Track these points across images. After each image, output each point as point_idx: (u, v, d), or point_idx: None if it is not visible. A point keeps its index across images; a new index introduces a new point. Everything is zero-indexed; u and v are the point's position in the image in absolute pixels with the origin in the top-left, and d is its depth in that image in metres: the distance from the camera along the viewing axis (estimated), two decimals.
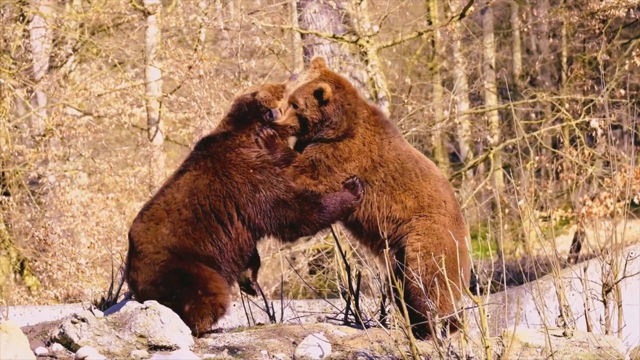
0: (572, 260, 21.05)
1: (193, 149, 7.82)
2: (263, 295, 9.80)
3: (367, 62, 19.55)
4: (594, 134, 19.75)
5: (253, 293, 8.03)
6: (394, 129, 7.97)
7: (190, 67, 20.65)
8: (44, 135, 21.62)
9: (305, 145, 7.74)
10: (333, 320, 8.51)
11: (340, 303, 9.64)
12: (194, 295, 7.44)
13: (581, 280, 8.17)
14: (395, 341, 7.00)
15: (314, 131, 7.67)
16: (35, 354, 6.98)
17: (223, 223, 7.53)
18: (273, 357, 7.20)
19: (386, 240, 7.39)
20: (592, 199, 20.43)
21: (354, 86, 7.93)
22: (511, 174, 10.97)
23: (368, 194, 7.67)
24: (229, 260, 7.62)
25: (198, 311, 7.45)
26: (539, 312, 7.82)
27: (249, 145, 7.63)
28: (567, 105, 20.51)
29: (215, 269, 7.55)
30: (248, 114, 7.70)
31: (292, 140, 7.89)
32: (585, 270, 8.17)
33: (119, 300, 8.79)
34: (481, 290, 6.74)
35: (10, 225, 21.06)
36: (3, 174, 21.36)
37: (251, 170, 7.55)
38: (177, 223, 7.52)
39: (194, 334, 7.34)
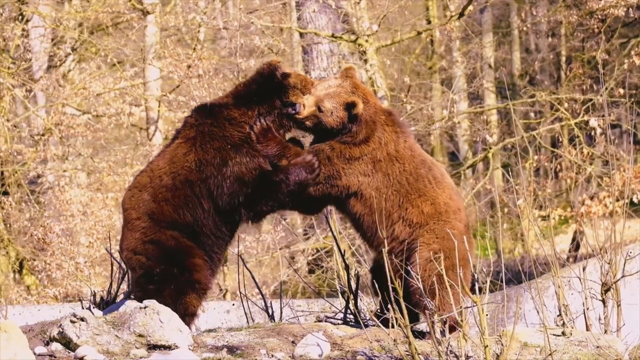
0: (571, 260, 21.04)
1: (189, 114, 7.86)
2: (262, 295, 9.80)
3: (366, 61, 19.55)
4: (593, 133, 19.75)
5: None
6: (410, 131, 8.07)
7: (189, 67, 20.65)
8: (43, 135, 21.61)
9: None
10: (332, 320, 8.52)
11: (339, 302, 9.64)
12: (171, 274, 7.49)
13: (580, 280, 8.17)
14: (395, 340, 7.01)
15: (327, 135, 7.75)
16: (35, 354, 6.97)
17: (196, 194, 7.55)
18: (272, 356, 7.21)
19: (385, 240, 7.41)
20: (591, 198, 20.44)
21: (375, 96, 8.02)
22: (510, 173, 10.96)
23: (384, 187, 7.72)
24: (207, 233, 7.64)
25: (177, 292, 7.51)
26: (538, 312, 7.82)
27: (236, 123, 7.65)
28: (566, 105, 20.52)
29: (195, 242, 7.59)
30: (258, 92, 7.67)
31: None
32: (584, 269, 8.17)
33: (118, 300, 8.80)
34: (480, 289, 6.74)
35: (9, 225, 21.06)
36: (2, 173, 21.36)
37: (228, 146, 7.57)
38: (158, 189, 7.57)
39: (179, 316, 7.35)
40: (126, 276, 8.97)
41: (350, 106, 7.70)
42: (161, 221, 7.53)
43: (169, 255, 7.50)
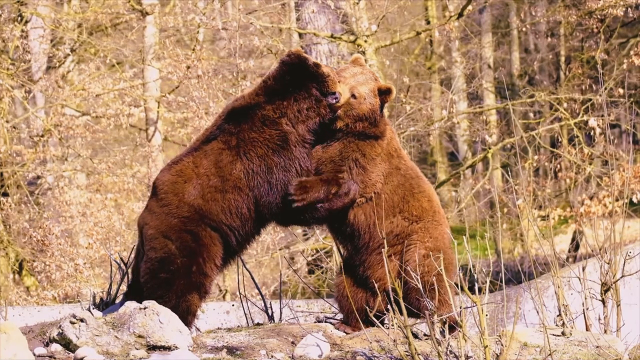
0: (570, 260, 21.04)
1: (223, 118, 7.75)
2: (262, 295, 9.80)
3: (365, 61, 19.54)
4: (592, 133, 19.75)
5: None
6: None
7: (188, 67, 20.64)
8: (42, 136, 21.61)
9: (330, 133, 7.76)
10: (332, 320, 8.51)
11: None
12: (188, 271, 7.49)
13: (580, 280, 8.18)
14: (394, 341, 7.01)
15: (352, 124, 7.71)
16: (34, 354, 6.97)
17: (244, 200, 7.56)
18: (272, 357, 7.21)
19: (384, 240, 7.42)
20: (591, 198, 20.43)
21: None
22: (510, 173, 10.97)
23: (397, 182, 7.72)
24: (238, 239, 7.68)
25: (184, 289, 7.50)
26: (537, 312, 7.83)
27: (273, 122, 7.62)
28: (565, 105, 20.51)
29: (224, 244, 7.63)
30: (293, 83, 7.61)
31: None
32: (583, 269, 8.17)
33: (117, 301, 8.80)
34: (480, 289, 6.74)
35: (8, 226, 21.06)
36: (1, 174, 21.36)
37: (270, 151, 7.57)
38: (206, 188, 7.56)
39: (178, 310, 7.37)
40: (125, 277, 8.97)
41: (384, 92, 7.72)
42: (206, 217, 7.54)
43: (197, 251, 7.52)
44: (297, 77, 7.60)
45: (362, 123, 7.68)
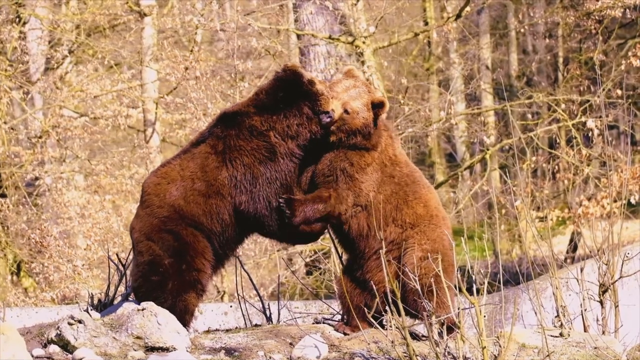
0: (568, 261, 21.04)
1: (214, 122, 7.76)
2: (260, 297, 9.80)
3: (363, 62, 19.54)
4: (590, 134, 19.75)
5: None
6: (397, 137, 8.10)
7: (186, 68, 20.63)
8: (40, 137, 21.60)
9: (325, 147, 7.74)
10: (330, 321, 8.51)
11: (337, 304, 9.64)
12: (178, 270, 7.47)
13: (578, 281, 8.18)
14: (392, 342, 7.01)
15: (345, 139, 7.69)
16: (32, 356, 6.97)
17: (226, 207, 7.55)
18: (270, 358, 7.21)
19: (383, 242, 7.43)
20: (589, 199, 20.42)
21: None
22: (508, 174, 10.99)
23: (390, 190, 7.70)
24: (222, 242, 7.65)
25: (179, 289, 7.49)
26: (535, 313, 7.83)
27: (260, 133, 7.60)
28: (563, 106, 20.51)
29: (210, 244, 7.61)
30: (284, 100, 7.58)
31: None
32: (582, 270, 8.18)
33: (115, 302, 8.80)
34: (478, 290, 6.74)
35: (6, 227, 21.04)
36: (0, 175, 21.35)
37: (256, 163, 7.55)
38: (189, 190, 7.56)
39: (175, 310, 7.36)
40: (124, 278, 8.97)
41: (377, 105, 7.67)
42: (186, 218, 7.53)
43: (182, 250, 7.50)
44: (290, 95, 7.57)
45: (355, 137, 7.67)
